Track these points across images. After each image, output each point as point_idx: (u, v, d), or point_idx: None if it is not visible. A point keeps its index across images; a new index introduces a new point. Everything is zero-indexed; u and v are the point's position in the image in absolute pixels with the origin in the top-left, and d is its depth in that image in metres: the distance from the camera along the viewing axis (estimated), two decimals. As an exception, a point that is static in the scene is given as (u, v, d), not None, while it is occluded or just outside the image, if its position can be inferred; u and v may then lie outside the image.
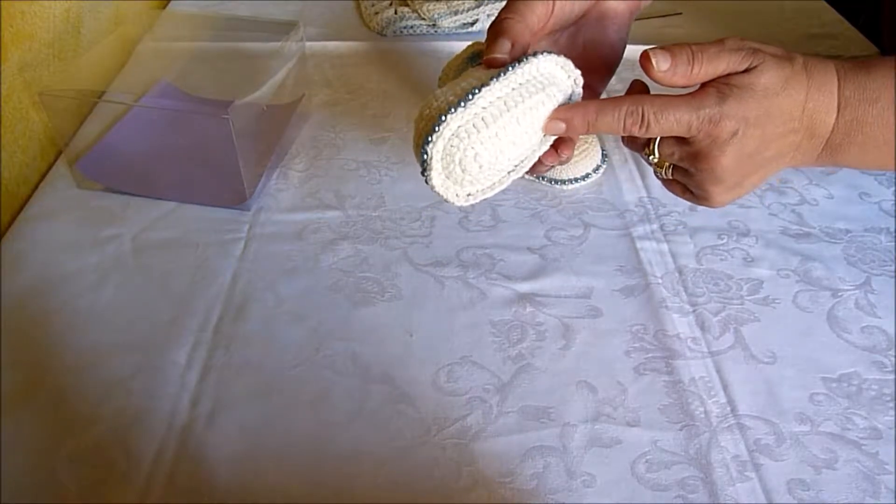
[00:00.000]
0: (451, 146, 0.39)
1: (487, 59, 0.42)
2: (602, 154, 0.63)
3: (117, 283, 0.53)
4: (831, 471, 0.42)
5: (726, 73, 0.40)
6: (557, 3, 0.44)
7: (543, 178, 0.62)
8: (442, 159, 0.39)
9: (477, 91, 0.38)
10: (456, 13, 0.81)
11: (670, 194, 0.45)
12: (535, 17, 0.43)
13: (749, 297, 0.52)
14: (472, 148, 0.38)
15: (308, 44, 0.78)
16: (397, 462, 0.43)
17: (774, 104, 0.40)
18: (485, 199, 0.42)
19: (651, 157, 0.43)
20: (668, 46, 0.40)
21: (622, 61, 0.79)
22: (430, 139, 0.38)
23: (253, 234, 0.57)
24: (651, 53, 0.40)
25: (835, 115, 0.40)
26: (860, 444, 0.43)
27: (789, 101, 0.40)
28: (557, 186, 0.61)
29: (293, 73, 0.65)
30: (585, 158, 0.61)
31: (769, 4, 0.89)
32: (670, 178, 0.44)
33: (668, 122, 0.39)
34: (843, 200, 0.61)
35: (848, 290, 0.53)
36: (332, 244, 0.57)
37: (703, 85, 0.40)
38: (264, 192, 0.61)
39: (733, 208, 0.59)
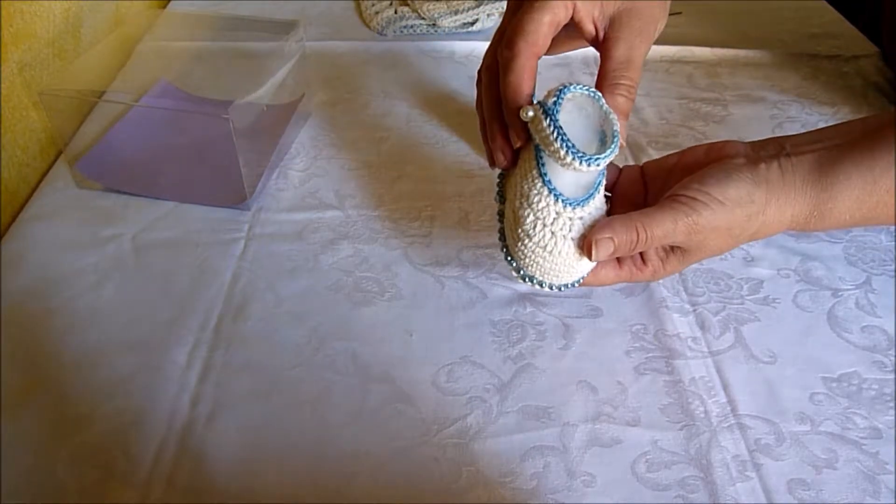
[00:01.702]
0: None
1: None
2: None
3: (117, 283, 0.53)
4: (832, 470, 0.42)
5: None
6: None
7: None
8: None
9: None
10: (456, 13, 0.81)
11: None
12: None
13: (749, 297, 0.52)
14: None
15: (308, 44, 0.78)
16: (397, 462, 0.43)
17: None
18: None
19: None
20: (613, 230, 0.41)
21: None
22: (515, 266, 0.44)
23: (253, 234, 0.57)
24: (595, 244, 0.41)
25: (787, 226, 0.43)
26: (860, 444, 0.43)
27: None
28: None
29: (293, 73, 0.65)
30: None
31: (769, 4, 0.89)
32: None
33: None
34: (844, 200, 0.61)
35: (848, 289, 0.53)
36: (332, 244, 0.57)
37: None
38: (264, 191, 0.61)
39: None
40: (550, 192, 0.41)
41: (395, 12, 0.83)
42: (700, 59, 0.79)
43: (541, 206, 0.41)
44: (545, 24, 0.42)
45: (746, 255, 0.55)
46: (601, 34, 0.44)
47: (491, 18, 0.82)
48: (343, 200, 0.61)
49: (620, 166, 0.49)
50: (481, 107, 0.47)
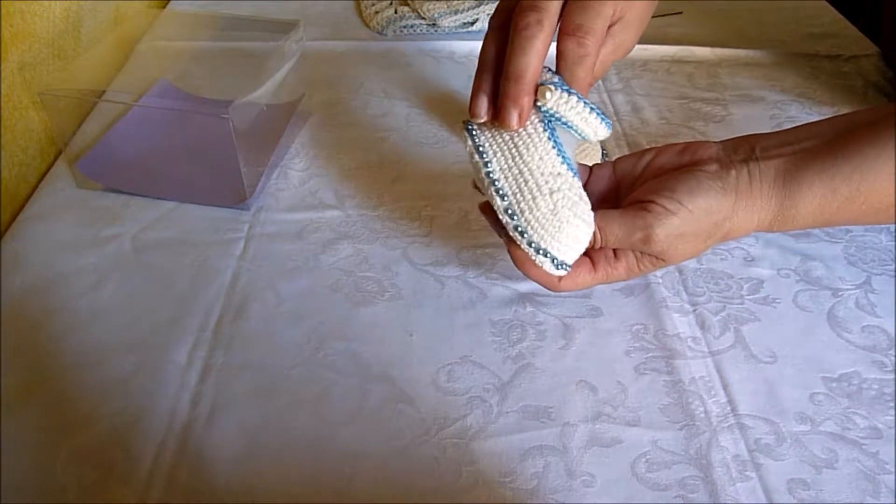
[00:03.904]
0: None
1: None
2: (602, 153, 0.63)
3: (117, 283, 0.53)
4: (832, 470, 0.42)
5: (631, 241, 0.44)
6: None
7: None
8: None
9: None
10: (456, 13, 0.81)
11: None
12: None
13: (749, 297, 0.52)
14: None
15: (308, 43, 0.78)
16: (397, 462, 0.43)
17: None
18: None
19: None
20: None
21: (621, 60, 0.80)
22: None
23: (253, 234, 0.57)
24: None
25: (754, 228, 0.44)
26: (860, 444, 0.43)
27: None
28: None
29: (293, 73, 0.65)
30: (585, 157, 0.61)
31: (769, 4, 0.89)
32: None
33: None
34: (844, 200, 0.61)
35: (848, 289, 0.53)
36: (332, 244, 0.57)
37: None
38: (264, 191, 0.61)
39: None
40: (569, 168, 0.43)
41: (395, 12, 0.83)
42: (700, 59, 0.79)
43: (562, 183, 0.42)
44: (609, 6, 0.43)
45: (746, 255, 0.55)
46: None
47: (491, 18, 0.82)
48: (343, 200, 0.61)
49: (591, 165, 0.49)
50: (486, 56, 0.45)
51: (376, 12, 0.84)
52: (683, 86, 0.75)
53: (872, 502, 0.41)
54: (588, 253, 0.46)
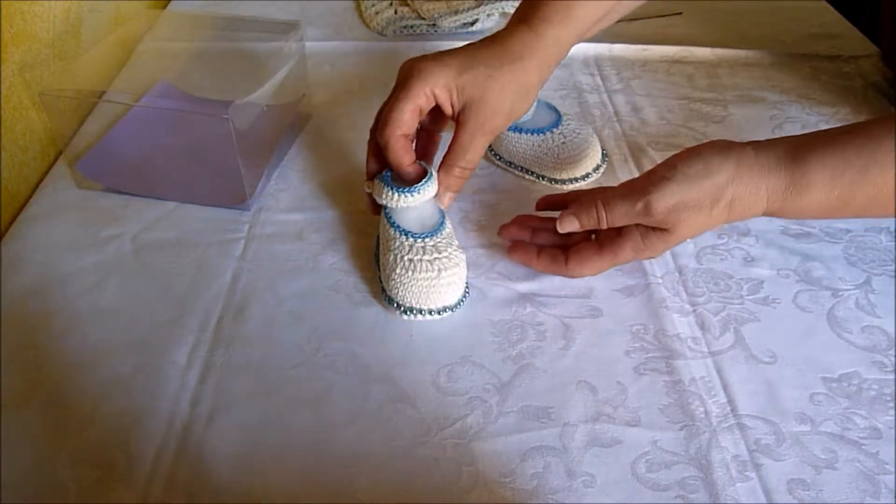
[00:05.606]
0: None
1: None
2: (602, 154, 0.63)
3: (117, 283, 0.53)
4: (831, 471, 0.42)
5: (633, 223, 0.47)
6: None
7: (544, 178, 0.62)
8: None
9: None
10: (456, 13, 0.81)
11: None
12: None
13: (749, 297, 0.52)
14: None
15: (308, 44, 0.78)
16: (397, 462, 0.43)
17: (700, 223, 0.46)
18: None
19: None
20: (577, 209, 0.48)
21: (622, 60, 0.79)
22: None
23: (253, 234, 0.57)
24: (559, 220, 0.49)
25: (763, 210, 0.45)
26: (860, 444, 0.43)
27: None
28: (558, 186, 0.61)
29: (293, 73, 0.65)
30: (585, 158, 0.61)
31: (769, 4, 0.89)
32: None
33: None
34: (844, 200, 0.61)
35: (848, 289, 0.53)
36: (332, 244, 0.57)
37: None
38: (264, 192, 0.61)
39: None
40: (400, 233, 0.49)
41: (395, 12, 0.83)
42: (700, 59, 0.79)
43: (396, 245, 0.49)
44: (408, 111, 0.48)
45: (746, 255, 0.55)
46: (456, 115, 0.50)
47: (491, 18, 0.82)
48: (343, 201, 0.61)
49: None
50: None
51: (376, 13, 0.84)
52: (683, 86, 0.75)
53: (872, 502, 0.41)
54: (593, 235, 0.49)
